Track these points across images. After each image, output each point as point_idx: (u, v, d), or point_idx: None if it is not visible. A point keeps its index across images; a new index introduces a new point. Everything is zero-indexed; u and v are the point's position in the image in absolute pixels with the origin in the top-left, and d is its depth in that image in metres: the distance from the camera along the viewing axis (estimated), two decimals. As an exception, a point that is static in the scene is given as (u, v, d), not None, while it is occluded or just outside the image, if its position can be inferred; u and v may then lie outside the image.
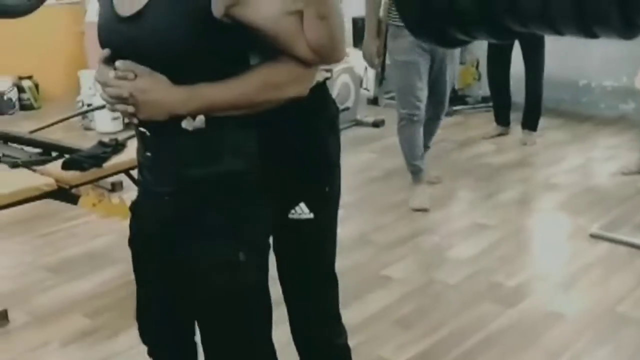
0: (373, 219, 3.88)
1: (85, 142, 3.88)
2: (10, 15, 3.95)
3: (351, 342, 1.95)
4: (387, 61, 4.11)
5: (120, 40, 1.45)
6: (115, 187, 4.21)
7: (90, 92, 5.97)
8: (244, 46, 1.47)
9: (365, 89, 6.56)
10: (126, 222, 1.70)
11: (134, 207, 1.73)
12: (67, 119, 4.72)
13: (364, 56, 4.10)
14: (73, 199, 3.21)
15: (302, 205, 1.73)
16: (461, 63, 6.46)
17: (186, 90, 1.42)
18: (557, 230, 3.84)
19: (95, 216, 3.81)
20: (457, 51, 4.17)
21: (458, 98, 6.36)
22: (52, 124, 4.39)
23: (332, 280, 1.86)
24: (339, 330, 1.91)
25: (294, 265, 1.81)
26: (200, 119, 1.45)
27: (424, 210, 3.92)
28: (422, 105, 3.94)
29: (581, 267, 3.25)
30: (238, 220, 1.53)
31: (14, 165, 3.40)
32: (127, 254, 1.74)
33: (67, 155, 3.35)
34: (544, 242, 3.74)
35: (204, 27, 1.39)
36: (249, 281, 1.56)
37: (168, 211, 1.56)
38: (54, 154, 3.70)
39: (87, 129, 5.80)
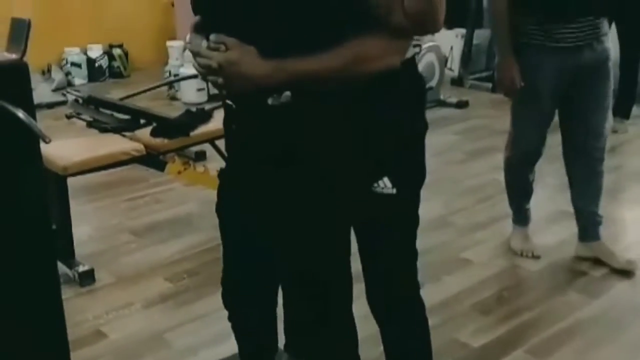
0: (453, 202, 3.82)
1: (171, 112, 3.96)
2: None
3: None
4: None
5: (212, 5, 1.48)
6: (199, 157, 4.29)
7: (178, 62, 6.10)
8: (338, 15, 1.43)
9: (450, 69, 6.47)
10: (210, 191, 1.74)
11: (222, 175, 1.76)
12: (156, 87, 4.83)
13: (501, 81, 2.92)
14: (160, 166, 3.29)
15: (385, 179, 1.71)
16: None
17: (274, 63, 1.43)
18: (647, 222, 3.69)
19: (179, 184, 3.91)
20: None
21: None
22: (141, 92, 4.49)
23: (411, 257, 1.84)
24: (418, 304, 1.90)
25: (373, 240, 1.79)
26: (286, 95, 1.45)
27: (533, 255, 3.19)
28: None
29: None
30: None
31: (104, 130, 3.50)
32: (209, 221, 1.78)
33: (154, 123, 3.42)
34: (633, 233, 3.60)
35: None
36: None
37: (256, 174, 1.58)
38: (142, 121, 3.79)
39: (173, 98, 5.93)
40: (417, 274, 1.86)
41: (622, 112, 5.03)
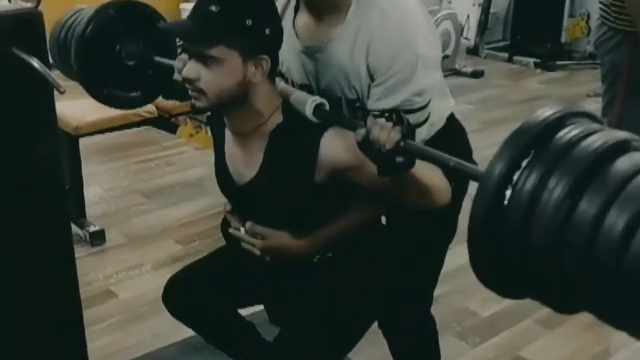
0: (466, 171, 3.79)
1: (185, 74, 3.92)
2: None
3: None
4: None
5: (240, 200, 1.65)
6: (210, 121, 4.28)
7: (191, 25, 6.04)
8: (347, 190, 1.54)
9: (466, 38, 6.38)
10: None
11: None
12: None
13: None
14: (172, 128, 3.28)
15: None
16: (570, 16, 6.20)
17: (307, 241, 1.57)
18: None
19: (191, 147, 3.90)
20: None
21: (564, 52, 6.10)
22: (154, 54, 4.47)
23: (437, 264, 1.84)
24: (428, 315, 1.92)
25: (405, 240, 1.77)
26: (329, 255, 1.60)
27: None
28: None
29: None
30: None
31: (116, 91, 3.48)
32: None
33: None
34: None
35: (307, 191, 1.52)
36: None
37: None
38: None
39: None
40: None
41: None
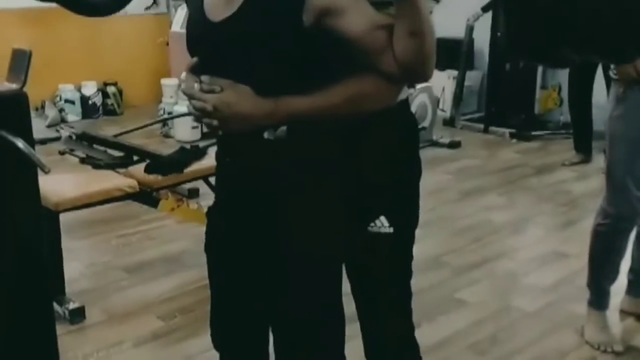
0: (447, 241, 3.82)
1: (165, 149, 3.95)
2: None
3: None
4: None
5: (209, 45, 1.47)
6: (192, 194, 4.27)
7: (172, 100, 6.11)
8: (329, 55, 1.45)
9: (442, 109, 6.52)
10: (203, 229, 1.72)
11: (211, 213, 1.75)
12: (149, 125, 4.80)
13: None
14: (154, 202, 3.27)
15: (382, 218, 1.70)
16: (543, 87, 6.38)
17: (271, 103, 1.43)
18: None
19: (172, 220, 3.89)
20: None
21: (538, 123, 6.24)
22: (135, 130, 4.47)
23: (406, 298, 1.82)
24: (413, 346, 1.88)
25: (370, 280, 1.77)
26: (282, 129, 1.46)
27: (613, 350, 2.72)
28: None
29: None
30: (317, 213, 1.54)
31: (97, 166, 3.49)
32: (201, 259, 1.76)
33: (148, 160, 3.41)
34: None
35: (292, 34, 1.41)
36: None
37: (246, 208, 1.57)
38: (135, 158, 3.78)
39: (167, 136, 5.93)
40: (412, 315, 1.84)
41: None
